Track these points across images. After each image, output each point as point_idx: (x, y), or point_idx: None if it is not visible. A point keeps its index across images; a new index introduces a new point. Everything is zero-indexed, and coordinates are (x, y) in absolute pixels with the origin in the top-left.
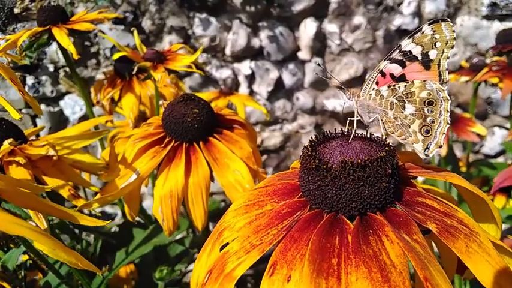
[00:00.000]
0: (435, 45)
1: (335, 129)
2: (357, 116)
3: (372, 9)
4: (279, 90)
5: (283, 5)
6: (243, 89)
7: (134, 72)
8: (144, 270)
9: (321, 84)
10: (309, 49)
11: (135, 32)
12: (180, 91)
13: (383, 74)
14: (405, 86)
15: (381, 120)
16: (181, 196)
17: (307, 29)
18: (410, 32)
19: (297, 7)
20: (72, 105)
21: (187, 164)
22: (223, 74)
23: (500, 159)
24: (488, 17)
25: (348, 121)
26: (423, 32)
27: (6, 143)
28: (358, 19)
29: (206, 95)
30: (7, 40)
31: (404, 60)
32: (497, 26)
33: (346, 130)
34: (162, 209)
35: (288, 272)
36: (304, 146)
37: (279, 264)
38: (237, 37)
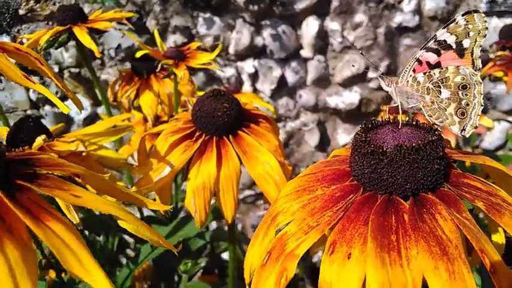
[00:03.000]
0: (468, 34)
1: (366, 121)
2: (396, 103)
3: (373, 7)
4: (282, 88)
5: (286, 3)
6: (247, 87)
7: (158, 69)
8: (164, 263)
9: (323, 81)
10: (312, 47)
11: (155, 31)
12: (195, 89)
13: (420, 62)
14: (440, 72)
15: (420, 104)
16: (213, 188)
17: (310, 27)
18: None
19: (299, 5)
20: None
21: (218, 157)
22: (227, 72)
23: (500, 154)
24: (487, 14)
25: (387, 109)
26: (457, 23)
27: (39, 139)
28: (360, 17)
29: None
30: (24, 40)
31: (439, 49)
32: (496, 22)
33: (391, 118)
34: (195, 201)
35: (348, 250)
36: (356, 133)
37: (338, 243)
38: (240, 36)
